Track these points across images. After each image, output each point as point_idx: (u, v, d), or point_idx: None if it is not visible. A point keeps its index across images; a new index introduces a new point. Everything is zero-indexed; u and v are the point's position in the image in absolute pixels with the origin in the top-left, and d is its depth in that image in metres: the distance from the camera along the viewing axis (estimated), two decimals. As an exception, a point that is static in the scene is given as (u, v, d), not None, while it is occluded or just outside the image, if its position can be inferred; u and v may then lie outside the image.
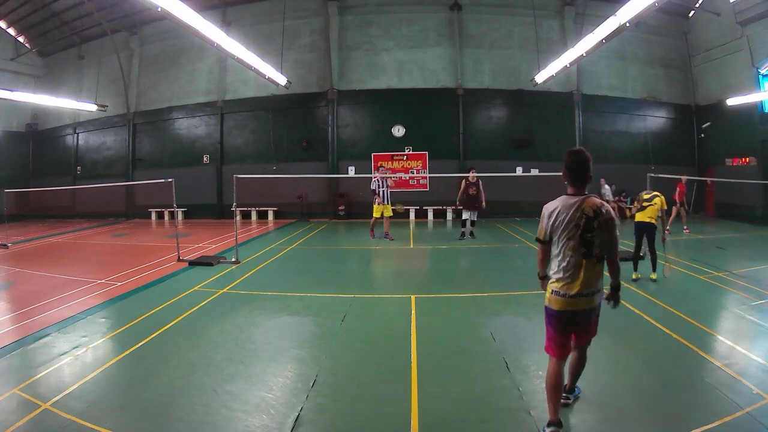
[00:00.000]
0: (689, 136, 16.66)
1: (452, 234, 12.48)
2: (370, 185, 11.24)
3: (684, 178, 12.07)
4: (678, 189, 12.07)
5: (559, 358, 2.81)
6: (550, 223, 2.78)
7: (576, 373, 3.07)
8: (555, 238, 2.78)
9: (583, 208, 2.71)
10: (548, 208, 2.81)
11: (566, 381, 3.02)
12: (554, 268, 2.81)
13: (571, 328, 2.82)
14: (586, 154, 2.83)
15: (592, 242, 2.69)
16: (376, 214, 11.06)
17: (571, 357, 2.97)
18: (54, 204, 18.80)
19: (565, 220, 2.71)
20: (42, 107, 18.53)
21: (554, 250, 2.82)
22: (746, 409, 2.97)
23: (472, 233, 11.16)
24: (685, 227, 11.91)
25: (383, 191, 10.88)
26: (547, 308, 2.84)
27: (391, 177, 13.28)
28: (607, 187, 14.60)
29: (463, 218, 11.17)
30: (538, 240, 2.89)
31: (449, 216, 15.54)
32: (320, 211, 16.25)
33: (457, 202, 11.09)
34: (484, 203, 10.80)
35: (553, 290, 2.78)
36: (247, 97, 16.88)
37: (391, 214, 11.36)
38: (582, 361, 3.04)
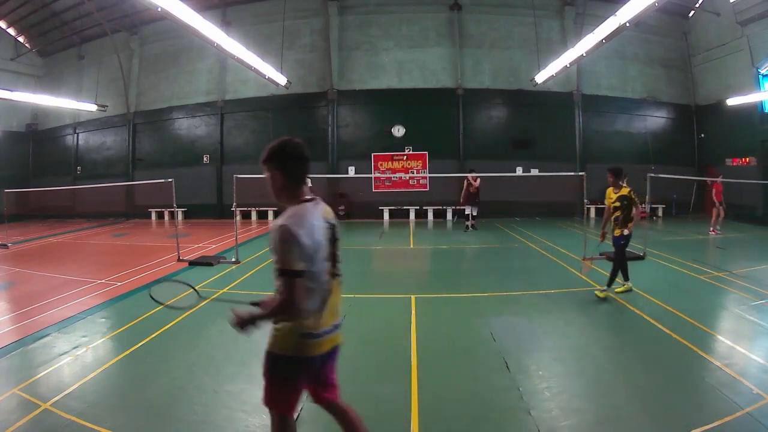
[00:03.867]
0: (689, 136, 16.65)
1: (452, 234, 12.52)
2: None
3: (720, 178, 11.78)
4: (714, 189, 11.67)
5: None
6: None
7: None
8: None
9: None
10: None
11: None
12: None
13: (308, 376, 2.15)
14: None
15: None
16: None
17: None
18: (54, 204, 18.79)
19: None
20: (42, 107, 18.52)
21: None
22: (746, 409, 2.96)
23: (474, 225, 12.31)
24: (715, 228, 11.57)
25: None
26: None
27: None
28: None
29: (466, 213, 12.55)
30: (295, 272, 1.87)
31: (449, 216, 15.53)
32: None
33: (462, 200, 12.45)
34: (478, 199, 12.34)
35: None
36: (247, 97, 16.88)
37: None
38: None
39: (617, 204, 5.73)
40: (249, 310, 1.99)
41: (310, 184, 2.14)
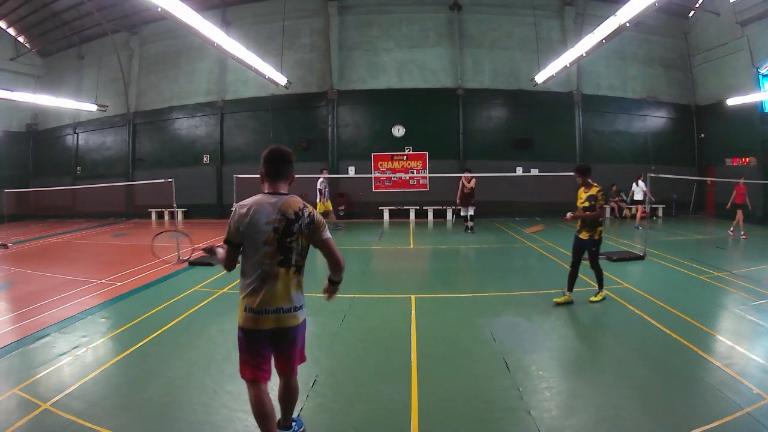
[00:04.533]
0: (689, 136, 16.66)
1: (452, 234, 12.51)
2: (318, 185, 12.50)
3: (742, 180, 11.23)
4: (736, 191, 11.07)
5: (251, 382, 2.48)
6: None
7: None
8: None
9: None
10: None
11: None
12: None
13: (261, 348, 2.45)
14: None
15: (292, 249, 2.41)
16: (321, 210, 12.46)
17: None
18: (54, 204, 18.79)
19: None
20: (42, 107, 18.51)
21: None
22: (746, 409, 2.97)
23: (471, 227, 12.10)
24: (741, 232, 10.80)
25: (327, 191, 12.57)
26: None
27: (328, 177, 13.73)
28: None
29: (462, 215, 12.40)
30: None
31: (449, 216, 15.53)
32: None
33: (458, 201, 12.22)
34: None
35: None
36: (247, 97, 16.88)
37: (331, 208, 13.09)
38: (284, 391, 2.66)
39: (586, 204, 5.43)
40: (214, 246, 2.68)
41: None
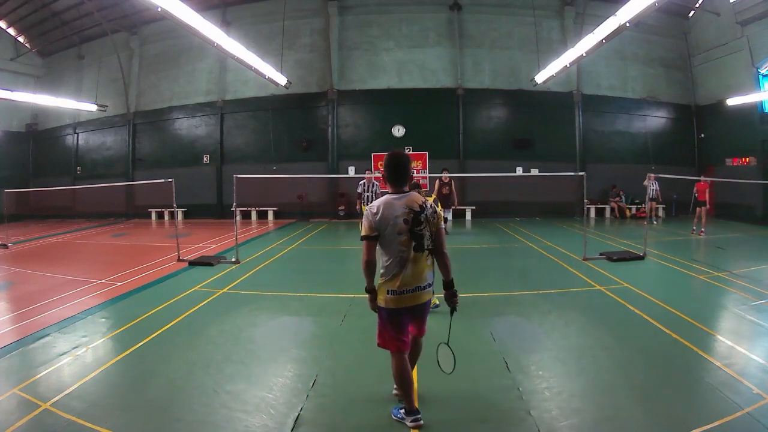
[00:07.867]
0: (689, 136, 16.67)
1: (451, 234, 12.47)
2: (356, 188, 10.58)
3: (702, 177, 11.57)
4: (697, 188, 11.47)
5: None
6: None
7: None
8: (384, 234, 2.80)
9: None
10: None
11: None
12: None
13: (403, 324, 2.91)
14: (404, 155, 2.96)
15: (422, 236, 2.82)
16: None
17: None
18: (54, 204, 18.78)
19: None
20: (42, 107, 18.50)
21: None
22: (746, 409, 2.96)
23: (446, 230, 11.54)
24: (702, 229, 11.25)
25: (368, 196, 10.10)
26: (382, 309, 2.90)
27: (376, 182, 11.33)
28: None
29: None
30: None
31: (449, 216, 15.49)
32: (320, 211, 16.25)
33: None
34: (456, 202, 11.33)
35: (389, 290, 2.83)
36: (247, 97, 16.88)
37: None
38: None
39: None
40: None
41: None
